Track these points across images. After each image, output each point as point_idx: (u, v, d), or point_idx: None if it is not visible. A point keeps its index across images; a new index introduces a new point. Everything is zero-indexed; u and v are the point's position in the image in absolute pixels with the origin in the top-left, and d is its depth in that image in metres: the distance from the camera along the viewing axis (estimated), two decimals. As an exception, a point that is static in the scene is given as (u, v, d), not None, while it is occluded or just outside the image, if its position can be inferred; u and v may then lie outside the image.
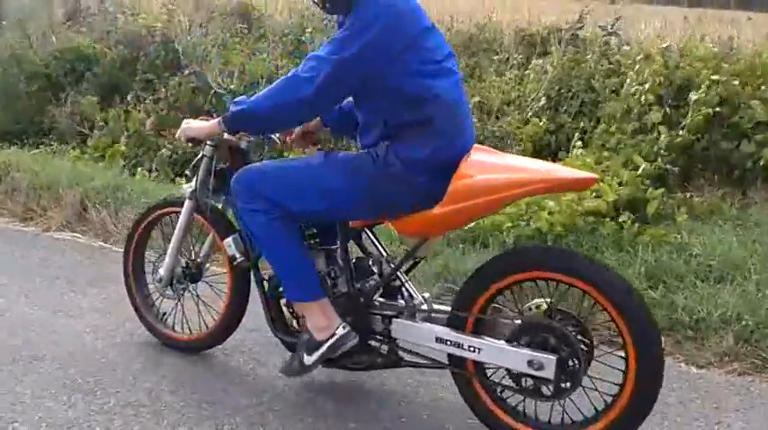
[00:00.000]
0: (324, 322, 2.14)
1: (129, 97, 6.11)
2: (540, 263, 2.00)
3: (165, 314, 2.74)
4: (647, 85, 4.58)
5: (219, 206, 2.48)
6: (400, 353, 2.21)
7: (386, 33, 1.91)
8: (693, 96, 4.31)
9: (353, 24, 1.93)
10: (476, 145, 2.11)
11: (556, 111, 5.25)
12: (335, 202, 2.08)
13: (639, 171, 3.84)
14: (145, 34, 6.98)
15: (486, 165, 1.99)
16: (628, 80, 4.87)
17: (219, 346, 2.64)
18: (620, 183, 3.64)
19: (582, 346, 1.95)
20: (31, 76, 6.44)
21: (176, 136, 2.42)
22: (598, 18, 6.40)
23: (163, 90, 5.97)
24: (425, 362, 2.19)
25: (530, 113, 5.23)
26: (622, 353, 1.93)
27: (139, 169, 5.01)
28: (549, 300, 2.02)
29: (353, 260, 2.28)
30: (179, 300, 2.64)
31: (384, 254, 2.24)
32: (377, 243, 2.26)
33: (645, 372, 1.88)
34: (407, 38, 1.94)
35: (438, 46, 2.04)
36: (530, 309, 2.05)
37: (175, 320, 2.69)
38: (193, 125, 2.29)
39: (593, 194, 3.51)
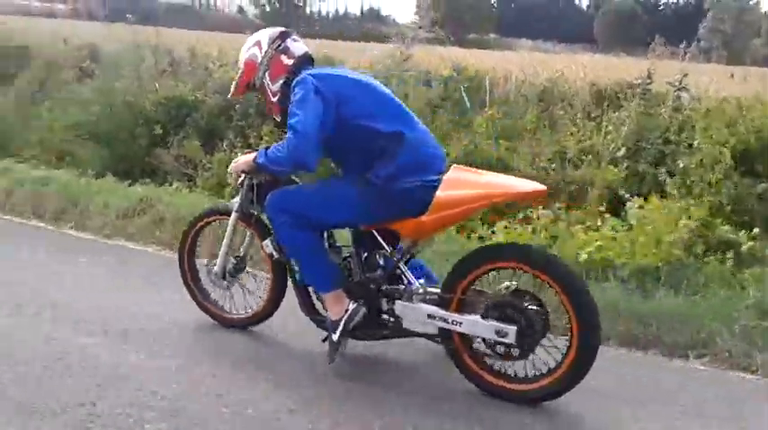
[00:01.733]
0: (337, 307, 2.83)
1: (224, 143, 6.62)
2: (501, 255, 2.68)
3: (217, 300, 3.45)
4: (719, 137, 4.89)
5: (258, 214, 3.16)
6: (404, 326, 2.77)
7: (319, 99, 2.75)
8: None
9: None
10: (455, 165, 2.82)
11: (634, 161, 5.52)
12: (344, 215, 2.81)
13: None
14: (237, 84, 7.54)
15: (460, 182, 2.66)
16: (699, 132, 5.16)
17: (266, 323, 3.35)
18: (705, 226, 3.91)
19: (539, 317, 2.56)
20: (141, 120, 7.03)
21: (229, 170, 3.15)
22: (664, 75, 6.66)
23: (254, 136, 6.48)
24: (423, 334, 2.77)
25: (606, 162, 5.52)
26: (567, 322, 2.56)
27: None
28: (514, 282, 2.68)
29: (365, 255, 2.90)
30: (229, 289, 3.35)
31: (387, 250, 2.83)
32: (382, 242, 2.83)
33: (584, 337, 2.50)
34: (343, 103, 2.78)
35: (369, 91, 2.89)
36: (501, 290, 2.67)
37: (226, 304, 3.43)
38: (240, 160, 3.04)
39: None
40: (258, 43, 2.99)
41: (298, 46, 3.00)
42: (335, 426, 2.51)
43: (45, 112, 7.89)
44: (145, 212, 5.20)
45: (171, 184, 6.24)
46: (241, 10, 63.39)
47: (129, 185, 5.97)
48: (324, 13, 63.66)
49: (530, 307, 2.59)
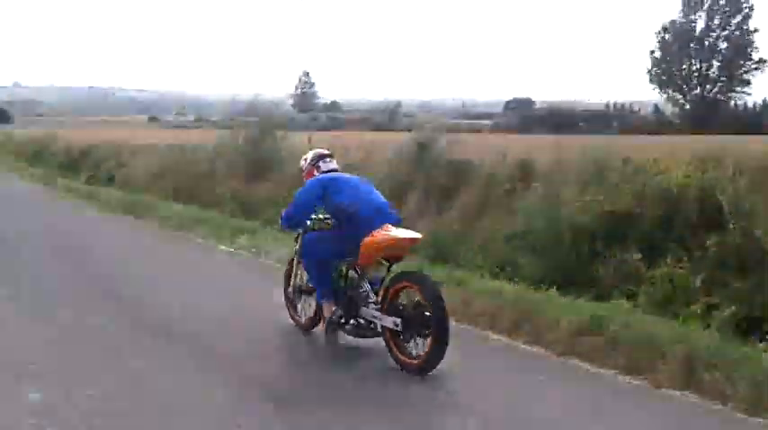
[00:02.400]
0: (329, 310, 5.17)
1: (668, 257, 6.25)
2: (405, 279, 4.81)
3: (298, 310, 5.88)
4: None
5: None
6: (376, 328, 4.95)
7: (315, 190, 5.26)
8: None
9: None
10: (387, 224, 4.90)
11: None
12: (327, 253, 5.22)
13: None
14: (677, 192, 7.13)
15: (380, 233, 4.80)
16: None
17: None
18: None
19: (422, 316, 4.58)
20: (580, 231, 7.12)
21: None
22: None
23: (697, 247, 5.99)
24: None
25: None
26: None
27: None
28: (417, 297, 4.68)
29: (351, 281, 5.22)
30: (302, 304, 5.87)
31: (357, 277, 5.12)
32: (359, 272, 5.13)
33: (438, 326, 4.48)
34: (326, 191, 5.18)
35: (361, 186, 5.26)
36: (405, 301, 4.77)
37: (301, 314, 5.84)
38: None
39: None
40: (306, 158, 5.74)
41: (328, 165, 5.57)
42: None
43: (486, 223, 8.60)
44: (596, 331, 5.11)
45: (610, 298, 6.13)
46: (657, 109, 61.86)
47: (575, 299, 5.99)
48: (751, 104, 57.87)
49: (415, 311, 4.66)
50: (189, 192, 14.38)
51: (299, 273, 5.79)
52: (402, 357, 4.69)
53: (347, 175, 5.48)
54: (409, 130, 15.82)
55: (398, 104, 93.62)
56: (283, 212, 5.47)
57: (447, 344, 4.47)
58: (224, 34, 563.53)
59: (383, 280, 4.99)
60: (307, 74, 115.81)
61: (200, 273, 8.27)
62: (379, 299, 4.84)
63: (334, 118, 79.07)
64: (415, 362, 4.58)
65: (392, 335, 4.76)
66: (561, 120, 48.07)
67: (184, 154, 17.37)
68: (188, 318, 6.24)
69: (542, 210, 7.83)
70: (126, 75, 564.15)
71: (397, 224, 5.06)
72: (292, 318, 5.86)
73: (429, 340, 4.52)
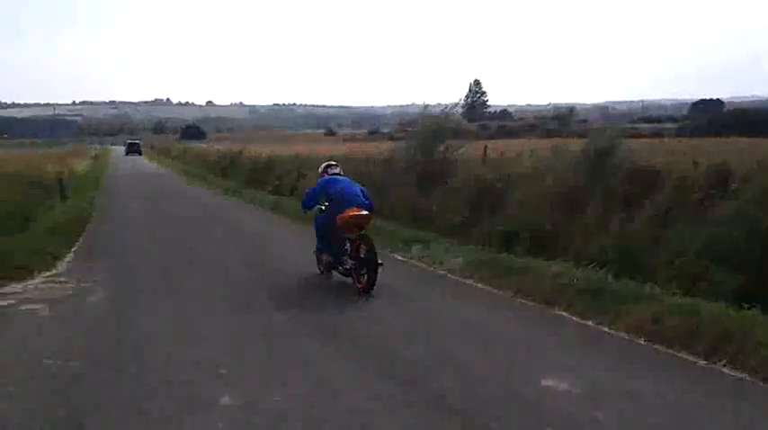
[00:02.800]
0: (327, 259, 8.42)
1: None
2: (359, 239, 7.85)
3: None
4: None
5: None
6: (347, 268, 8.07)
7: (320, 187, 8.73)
8: None
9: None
10: (355, 206, 8.07)
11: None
12: (324, 224, 8.38)
13: None
14: None
15: (348, 211, 7.99)
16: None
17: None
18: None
19: (365, 259, 7.67)
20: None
21: None
22: None
23: None
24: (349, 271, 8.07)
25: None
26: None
27: None
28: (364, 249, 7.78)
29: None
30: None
31: (349, 247, 7.90)
32: (343, 237, 8.02)
33: (369, 265, 7.56)
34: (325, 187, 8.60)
35: (347, 185, 8.48)
36: (361, 252, 7.76)
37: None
38: None
39: None
40: (321, 167, 9.15)
41: (332, 170, 8.81)
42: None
43: (675, 235, 7.93)
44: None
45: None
46: None
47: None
48: None
49: (363, 257, 7.66)
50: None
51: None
52: (357, 283, 7.80)
53: (341, 178, 8.69)
54: (584, 136, 15.13)
55: (571, 110, 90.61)
56: (303, 200, 8.98)
57: (376, 273, 7.54)
58: (396, 47, 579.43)
59: (354, 240, 7.90)
60: (477, 82, 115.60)
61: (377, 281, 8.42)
62: (349, 251, 7.94)
63: (504, 126, 78.22)
64: (363, 285, 7.66)
65: (353, 271, 7.88)
66: (755, 121, 43.74)
67: (359, 165, 17.93)
68: (368, 323, 6.36)
69: (742, 219, 7.08)
70: (305, 91, 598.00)
71: (367, 207, 8.25)
72: (318, 267, 8.78)
73: (366, 273, 7.64)
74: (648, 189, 9.60)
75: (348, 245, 7.95)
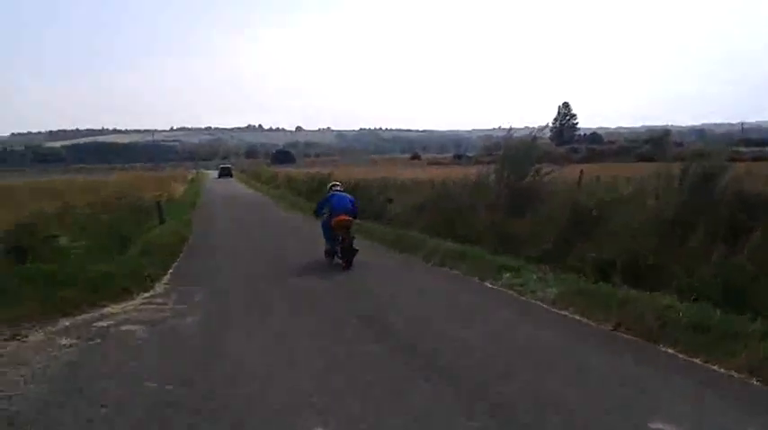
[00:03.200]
0: (329, 249, 12.45)
1: None
2: (342, 235, 11.94)
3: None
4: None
5: None
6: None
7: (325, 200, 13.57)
8: None
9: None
10: (343, 214, 12.18)
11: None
12: (326, 226, 12.49)
13: None
14: None
15: (337, 217, 12.11)
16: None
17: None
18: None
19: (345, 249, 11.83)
20: None
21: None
22: None
23: None
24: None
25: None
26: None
27: None
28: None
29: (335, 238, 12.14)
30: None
31: (340, 240, 11.70)
32: (340, 238, 11.84)
33: (346, 252, 11.78)
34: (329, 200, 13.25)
35: (340, 198, 12.72)
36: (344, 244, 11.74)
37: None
38: None
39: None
40: (329, 185, 14.27)
41: (336, 188, 13.33)
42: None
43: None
44: None
45: None
46: None
47: None
48: None
49: (344, 246, 11.82)
50: (449, 226, 14.58)
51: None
52: (342, 262, 11.63)
53: (339, 193, 12.82)
54: (681, 160, 14.44)
55: (666, 132, 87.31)
56: (315, 209, 13.31)
57: (353, 255, 11.66)
58: (482, 70, 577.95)
59: (342, 236, 11.85)
60: (566, 105, 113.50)
61: (467, 309, 8.21)
62: (340, 243, 11.82)
63: (594, 149, 76.24)
64: (344, 264, 11.58)
65: (341, 256, 11.76)
66: None
67: (445, 189, 17.81)
68: (462, 357, 6.18)
69: None
70: (391, 116, 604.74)
71: (352, 213, 12.23)
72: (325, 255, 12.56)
73: (346, 256, 11.70)
74: (757, 217, 9.02)
75: (339, 239, 11.88)
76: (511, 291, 9.15)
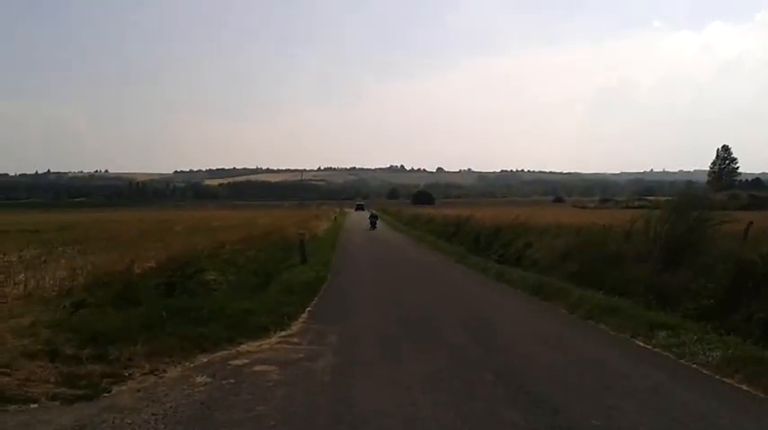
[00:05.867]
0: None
1: None
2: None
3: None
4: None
5: None
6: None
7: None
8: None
9: None
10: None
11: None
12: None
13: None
14: None
15: None
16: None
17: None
18: None
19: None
20: None
21: None
22: None
23: None
24: None
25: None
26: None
27: None
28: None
29: None
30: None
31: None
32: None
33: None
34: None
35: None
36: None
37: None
38: None
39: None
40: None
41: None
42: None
43: None
44: None
45: None
46: None
47: None
48: None
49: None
50: (595, 275, 13.67)
51: None
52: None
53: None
54: None
55: None
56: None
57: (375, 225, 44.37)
58: (628, 110, 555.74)
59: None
60: (726, 148, 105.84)
61: (617, 373, 7.42)
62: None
63: (756, 196, 70.32)
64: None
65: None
66: None
67: (591, 235, 16.86)
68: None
69: None
70: (533, 157, 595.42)
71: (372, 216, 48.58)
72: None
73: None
74: None
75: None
76: (667, 353, 8.23)
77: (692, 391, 6.65)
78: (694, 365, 7.60)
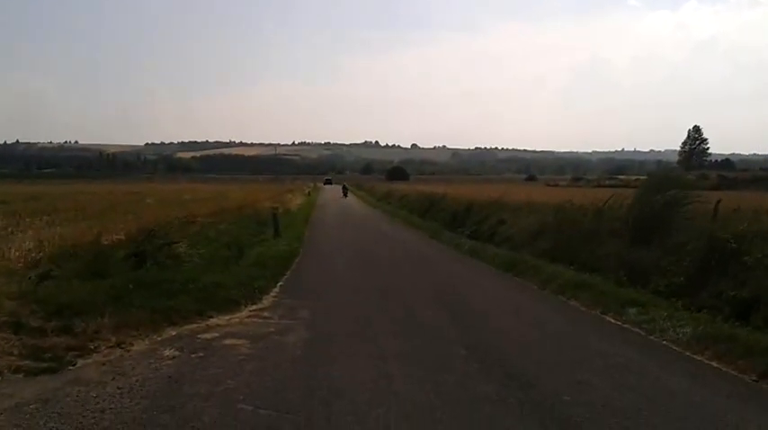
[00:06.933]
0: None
1: None
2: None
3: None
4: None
5: None
6: None
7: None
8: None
9: None
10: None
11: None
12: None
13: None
14: None
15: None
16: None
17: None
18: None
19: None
20: None
21: None
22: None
23: None
24: None
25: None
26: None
27: None
28: None
29: None
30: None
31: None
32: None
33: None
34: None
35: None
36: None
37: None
38: None
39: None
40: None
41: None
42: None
43: None
44: None
45: None
46: None
47: None
48: None
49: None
50: (568, 252, 13.74)
51: None
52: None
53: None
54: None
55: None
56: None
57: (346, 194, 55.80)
58: (601, 90, 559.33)
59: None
60: (697, 129, 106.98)
61: (588, 349, 7.45)
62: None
63: (725, 176, 71.47)
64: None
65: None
66: None
67: (564, 213, 16.93)
68: (581, 405, 5.53)
69: None
70: (508, 135, 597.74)
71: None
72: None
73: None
74: None
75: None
76: (637, 329, 8.30)
77: (663, 368, 6.70)
78: (664, 342, 7.67)
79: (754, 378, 6.31)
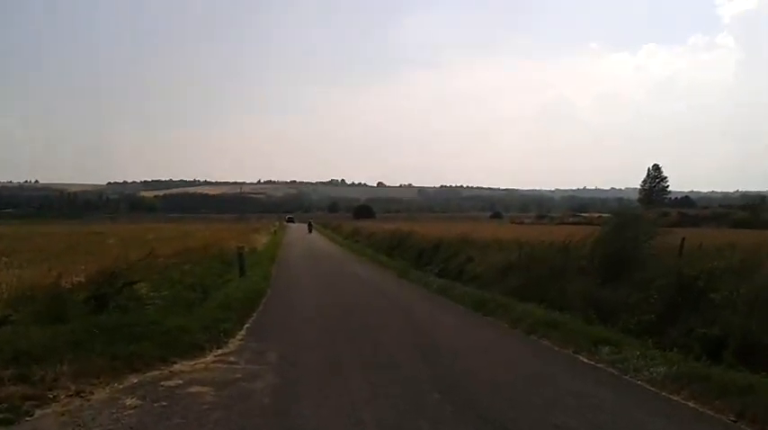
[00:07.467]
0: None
1: None
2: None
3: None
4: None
5: None
6: None
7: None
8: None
9: None
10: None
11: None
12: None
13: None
14: None
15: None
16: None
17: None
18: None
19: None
20: None
21: None
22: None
23: None
24: None
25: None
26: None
27: None
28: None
29: None
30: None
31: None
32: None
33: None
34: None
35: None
36: None
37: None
38: None
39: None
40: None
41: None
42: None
43: None
44: None
45: None
46: None
47: None
48: None
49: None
50: (537, 290, 13.72)
51: None
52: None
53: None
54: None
55: (763, 198, 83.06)
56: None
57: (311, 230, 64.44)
58: (563, 130, 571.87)
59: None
60: (657, 167, 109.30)
61: (562, 389, 7.33)
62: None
63: (685, 214, 73.07)
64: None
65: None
66: None
67: (533, 251, 16.98)
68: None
69: None
70: (473, 174, 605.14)
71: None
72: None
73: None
74: None
75: None
76: (611, 369, 8.22)
77: (640, 409, 6.61)
78: (639, 382, 7.59)
79: (732, 418, 6.26)
